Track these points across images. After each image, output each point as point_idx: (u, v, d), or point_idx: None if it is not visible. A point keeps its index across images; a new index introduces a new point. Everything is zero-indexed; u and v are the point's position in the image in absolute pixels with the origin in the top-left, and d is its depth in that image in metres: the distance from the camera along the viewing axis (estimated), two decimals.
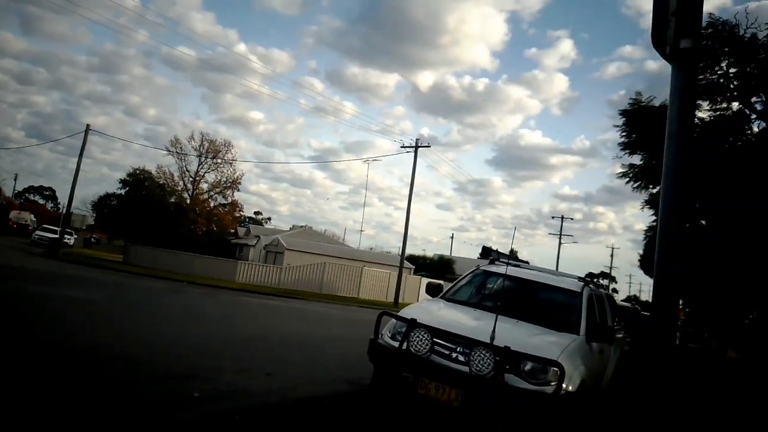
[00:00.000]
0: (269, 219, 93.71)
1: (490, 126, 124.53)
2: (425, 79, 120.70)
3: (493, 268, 7.80)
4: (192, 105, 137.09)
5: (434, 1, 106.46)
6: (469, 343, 5.35)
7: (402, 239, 33.54)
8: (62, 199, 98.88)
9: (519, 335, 5.70)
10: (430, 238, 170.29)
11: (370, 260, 41.54)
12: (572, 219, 54.51)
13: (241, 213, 67.85)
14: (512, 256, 9.38)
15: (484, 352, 5.21)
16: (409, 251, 34.56)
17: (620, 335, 8.96)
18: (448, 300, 7.16)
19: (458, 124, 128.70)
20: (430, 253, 60.10)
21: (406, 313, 6.16)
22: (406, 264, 35.50)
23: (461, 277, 7.89)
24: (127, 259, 36.43)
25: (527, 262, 9.12)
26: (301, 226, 60.91)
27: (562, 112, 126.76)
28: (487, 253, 8.18)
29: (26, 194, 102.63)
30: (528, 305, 6.95)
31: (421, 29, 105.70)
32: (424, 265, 47.65)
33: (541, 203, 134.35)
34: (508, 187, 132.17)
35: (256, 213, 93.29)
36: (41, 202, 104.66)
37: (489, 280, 7.90)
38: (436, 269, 46.79)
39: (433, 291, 7.40)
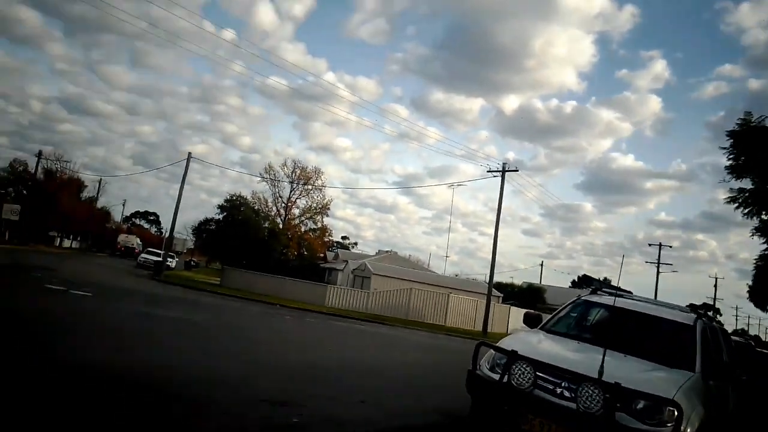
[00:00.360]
0: (356, 244, 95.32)
1: (579, 149, 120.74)
2: (510, 103, 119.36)
3: (595, 298, 7.42)
4: (284, 133, 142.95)
5: (520, 25, 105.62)
6: (575, 378, 5.08)
7: (489, 266, 32.93)
8: (165, 223, 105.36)
9: (629, 371, 5.35)
10: (517, 265, 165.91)
11: (456, 287, 41.01)
12: (671, 247, 51.16)
13: (330, 238, 69.41)
14: (613, 285, 8.91)
15: (592, 388, 4.93)
16: (496, 278, 33.84)
17: (737, 373, 8.25)
18: (548, 331, 6.87)
19: (545, 148, 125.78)
20: (518, 281, 58.58)
21: (505, 344, 5.95)
22: (494, 292, 34.74)
23: (561, 308, 7.56)
24: (224, 281, 38.03)
25: (630, 292, 8.64)
26: (387, 251, 61.36)
27: (656, 134, 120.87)
28: (587, 281, 7.82)
29: (133, 219, 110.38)
30: (636, 338, 6.52)
31: (506, 54, 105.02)
32: (512, 294, 46.45)
33: (636, 230, 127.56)
34: (599, 213, 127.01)
35: (343, 238, 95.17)
36: (146, 226, 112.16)
37: (591, 311, 7.53)
38: (525, 298, 45.47)
39: (531, 321, 7.14)
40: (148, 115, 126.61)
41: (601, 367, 4.94)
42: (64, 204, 55.61)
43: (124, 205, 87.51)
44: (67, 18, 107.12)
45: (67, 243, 66.15)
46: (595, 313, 7.50)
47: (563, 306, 7.59)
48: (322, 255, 64.53)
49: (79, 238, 69.40)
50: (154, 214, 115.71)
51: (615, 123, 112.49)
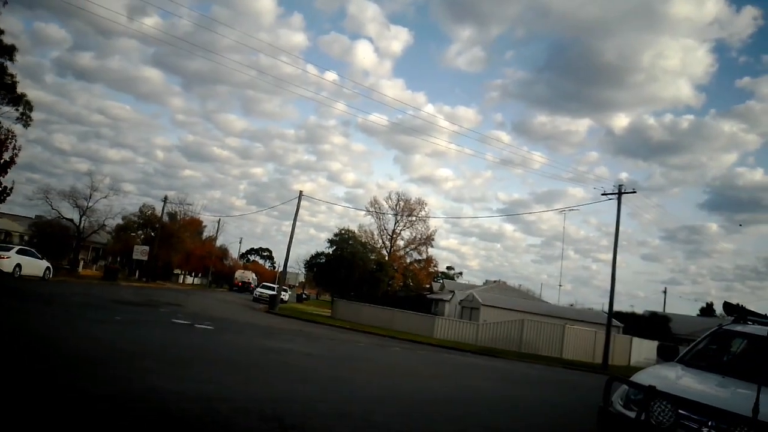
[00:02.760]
0: (461, 273, 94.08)
1: (700, 166, 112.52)
2: (620, 121, 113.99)
3: (739, 328, 6.72)
4: (385, 166, 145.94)
5: (625, 39, 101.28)
6: (726, 418, 4.56)
7: (606, 294, 31.13)
8: (278, 258, 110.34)
9: None
10: (636, 292, 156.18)
11: (572, 317, 39.12)
12: None
13: (435, 268, 69.26)
14: (754, 312, 8.04)
15: (746, 429, 4.40)
16: (615, 307, 31.82)
17: None
18: (687, 364, 6.28)
19: (661, 166, 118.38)
20: (638, 310, 54.91)
21: (640, 379, 5.50)
22: (614, 322, 32.69)
23: (699, 339, 6.91)
24: (334, 313, 38.82)
25: None
26: (495, 281, 60.01)
27: None
28: (729, 309, 7.10)
29: (248, 255, 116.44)
30: None
31: (611, 70, 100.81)
32: (633, 323, 43.52)
33: None
34: (727, 234, 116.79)
35: (449, 268, 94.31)
36: (260, 261, 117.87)
37: (734, 342, 6.82)
38: (648, 328, 42.35)
39: (666, 354, 6.59)
40: (259, 158, 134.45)
41: (756, 405, 4.40)
42: (187, 243, 59.81)
43: (240, 242, 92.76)
44: (185, 73, 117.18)
45: (189, 279, 70.83)
46: (739, 344, 6.79)
47: (701, 337, 6.94)
48: (428, 286, 64.40)
49: (200, 275, 74.09)
50: (268, 250, 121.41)
51: (739, 135, 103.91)
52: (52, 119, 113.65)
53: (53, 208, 44.37)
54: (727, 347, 6.83)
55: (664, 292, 64.67)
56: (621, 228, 29.98)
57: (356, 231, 56.11)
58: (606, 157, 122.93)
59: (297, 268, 72.00)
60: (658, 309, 55.24)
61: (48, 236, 43.27)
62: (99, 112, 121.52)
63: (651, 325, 44.40)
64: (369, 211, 62.14)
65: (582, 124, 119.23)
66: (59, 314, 14.58)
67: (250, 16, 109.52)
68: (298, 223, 39.18)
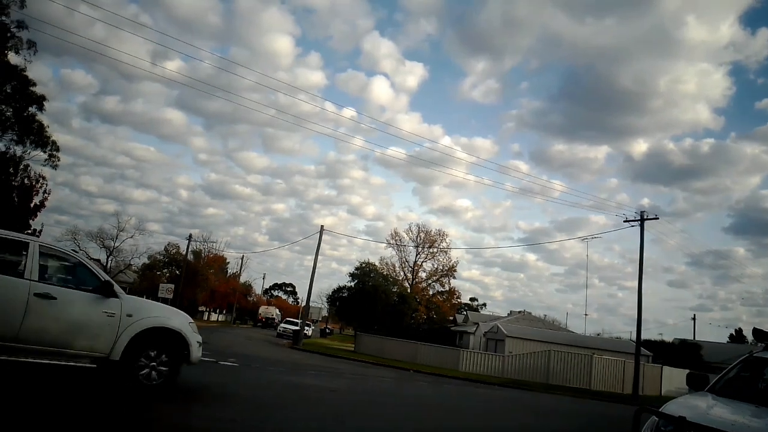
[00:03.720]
0: (484, 305, 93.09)
1: (723, 189, 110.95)
2: (638, 147, 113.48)
3: None
4: (405, 199, 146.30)
5: (640, 65, 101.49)
6: None
7: (633, 322, 30.46)
8: (301, 292, 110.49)
9: None
10: (664, 320, 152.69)
11: (599, 347, 38.38)
12: None
13: (458, 300, 68.64)
14: None
15: None
16: (642, 335, 31.17)
17: None
18: (717, 393, 6.15)
19: (683, 191, 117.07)
20: (667, 337, 53.65)
21: (670, 409, 5.40)
22: (642, 351, 31.98)
23: (730, 367, 6.78)
24: (358, 347, 38.60)
25: None
26: (519, 312, 59.26)
27: None
28: (759, 336, 6.97)
29: (271, 291, 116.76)
30: None
31: (628, 96, 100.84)
32: (662, 352, 42.47)
33: None
34: (755, 257, 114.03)
35: (472, 299, 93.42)
36: (283, 296, 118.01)
37: (767, 370, 6.66)
38: (678, 356, 41.29)
39: (696, 383, 6.46)
40: (280, 194, 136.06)
41: None
42: (212, 281, 60.35)
43: (264, 278, 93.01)
44: (207, 114, 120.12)
45: (214, 316, 71.17)
46: None
47: (732, 365, 6.80)
48: (451, 318, 63.77)
49: (224, 311, 74.41)
50: (291, 285, 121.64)
51: (762, 157, 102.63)
52: (79, 162, 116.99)
53: (81, 249, 45.38)
54: (759, 375, 6.67)
55: (693, 318, 63.12)
56: (645, 254, 29.58)
57: (377, 264, 56.12)
58: (626, 183, 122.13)
59: (320, 303, 71.92)
60: (688, 336, 53.91)
61: None
62: (124, 153, 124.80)
63: (681, 353, 43.30)
64: (390, 243, 62.21)
65: (600, 151, 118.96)
66: None
67: (268, 56, 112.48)
68: (319, 257, 39.42)
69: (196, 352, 9.13)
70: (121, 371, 8.14)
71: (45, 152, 28.70)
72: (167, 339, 8.64)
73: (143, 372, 8.34)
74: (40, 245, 7.91)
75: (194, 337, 9.07)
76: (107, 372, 8.15)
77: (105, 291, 8.11)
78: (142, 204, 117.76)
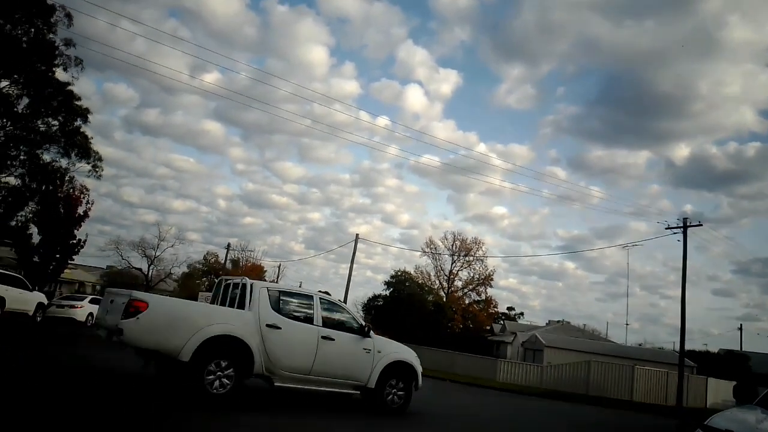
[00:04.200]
0: (522, 314, 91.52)
1: None
2: (680, 151, 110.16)
3: None
4: (439, 207, 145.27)
5: (681, 68, 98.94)
6: None
7: (676, 333, 29.64)
8: None
9: None
10: (709, 329, 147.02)
11: (641, 357, 37.37)
12: None
13: (495, 309, 67.83)
14: None
15: None
16: (687, 346, 30.21)
17: None
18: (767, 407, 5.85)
19: (728, 197, 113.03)
20: (713, 348, 51.91)
21: (716, 423, 5.19)
22: (686, 362, 31.00)
23: None
24: None
25: None
26: (558, 321, 58.23)
27: None
28: None
29: None
30: None
31: (668, 100, 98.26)
32: (708, 363, 41.12)
33: None
34: None
35: (509, 308, 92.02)
36: None
37: None
38: (725, 367, 39.88)
39: (744, 395, 6.20)
40: (316, 203, 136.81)
41: None
42: None
43: (300, 286, 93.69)
44: (244, 125, 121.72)
45: None
46: None
47: None
48: (488, 327, 63.04)
49: None
50: (327, 292, 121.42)
51: None
52: (121, 173, 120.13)
53: (123, 258, 46.74)
54: None
55: (740, 328, 60.81)
56: (689, 262, 28.80)
57: (413, 272, 55.93)
58: (668, 189, 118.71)
59: (355, 311, 72.09)
60: (734, 347, 52.01)
61: (118, 285, 45.19)
62: (164, 164, 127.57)
63: (727, 364, 41.83)
64: (425, 251, 61.82)
65: (640, 157, 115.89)
66: (128, 359, 15.09)
67: (303, 67, 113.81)
68: (354, 265, 39.64)
69: (420, 380, 11.28)
70: (375, 397, 10.36)
71: (89, 164, 29.68)
72: (403, 370, 10.82)
73: (389, 398, 10.54)
74: (320, 298, 10.31)
75: (419, 368, 11.29)
76: (365, 398, 10.52)
77: (363, 332, 10.38)
78: (182, 214, 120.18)
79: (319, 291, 12.39)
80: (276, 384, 9.31)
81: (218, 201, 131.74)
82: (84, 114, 28.93)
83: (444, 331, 49.12)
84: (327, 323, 9.95)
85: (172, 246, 48.27)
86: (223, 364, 8.65)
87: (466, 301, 61.99)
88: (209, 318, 8.92)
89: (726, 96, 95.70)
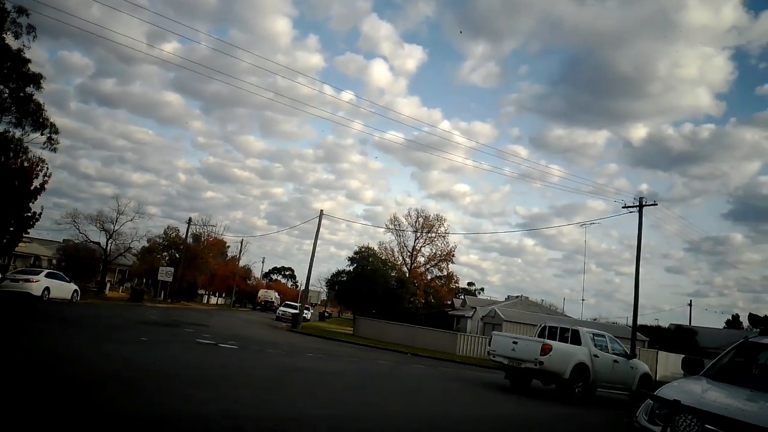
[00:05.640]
0: (482, 289, 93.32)
1: (722, 175, 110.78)
2: (638, 132, 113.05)
3: (766, 340, 6.66)
4: (403, 183, 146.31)
5: (640, 49, 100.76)
6: None
7: (629, 308, 30.70)
8: (300, 276, 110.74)
9: None
10: (661, 305, 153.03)
11: None
12: None
13: (456, 284, 68.86)
14: None
15: None
16: (639, 321, 31.40)
17: None
18: (712, 378, 6.21)
19: (682, 177, 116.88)
20: (663, 323, 53.95)
21: (665, 393, 5.46)
22: (639, 336, 32.21)
23: (725, 352, 6.84)
24: (356, 331, 38.84)
25: None
26: (517, 297, 59.49)
27: None
28: (754, 321, 7.02)
29: (271, 275, 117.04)
30: None
31: (628, 81, 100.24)
32: (658, 337, 42.77)
33: None
34: (753, 243, 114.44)
35: (469, 284, 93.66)
36: (283, 280, 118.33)
37: (761, 355, 6.73)
38: (674, 341, 41.57)
39: (691, 367, 6.52)
40: (279, 178, 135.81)
41: None
42: (211, 264, 60.44)
43: (263, 262, 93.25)
44: (205, 97, 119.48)
45: (213, 300, 71.42)
46: (766, 357, 6.70)
47: (728, 349, 6.86)
48: (449, 302, 64.05)
49: (224, 295, 74.67)
50: (290, 269, 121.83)
51: (762, 143, 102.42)
52: (78, 145, 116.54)
53: (81, 232, 45.37)
54: (754, 360, 6.74)
55: (690, 304, 63.24)
56: (643, 240, 29.68)
57: (376, 248, 56.15)
58: (625, 168, 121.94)
59: (319, 287, 72.09)
60: (684, 322, 54.18)
61: (75, 259, 44.18)
62: (122, 136, 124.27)
63: (677, 338, 43.63)
64: (389, 228, 62.19)
65: (600, 136, 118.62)
66: (87, 336, 14.85)
67: (266, 39, 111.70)
68: (318, 241, 39.56)
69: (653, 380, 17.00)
70: (636, 400, 12.44)
71: (44, 134, 28.52)
72: (647, 377, 16.28)
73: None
74: (609, 336, 16.64)
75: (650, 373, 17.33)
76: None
77: (628, 355, 16.79)
78: (141, 187, 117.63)
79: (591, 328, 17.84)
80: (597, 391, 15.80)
81: (178, 174, 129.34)
82: (37, 80, 27.67)
83: (406, 306, 49.66)
84: (613, 351, 16.07)
85: (131, 220, 47.02)
86: (579, 379, 14.74)
87: (429, 277, 62.76)
88: (574, 353, 15.06)
89: (683, 78, 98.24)
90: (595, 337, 15.96)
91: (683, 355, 7.60)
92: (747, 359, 6.68)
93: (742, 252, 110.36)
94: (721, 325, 58.74)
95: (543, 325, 17.80)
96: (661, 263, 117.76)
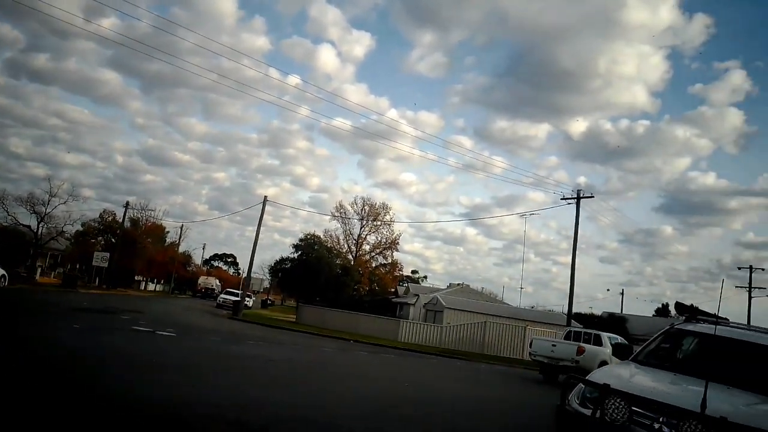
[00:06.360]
0: (425, 277, 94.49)
1: (655, 170, 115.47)
2: (577, 126, 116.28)
3: (690, 327, 6.98)
4: (350, 171, 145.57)
5: (582, 45, 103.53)
6: (676, 413, 4.74)
7: (566, 296, 31.81)
8: (242, 264, 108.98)
9: (734, 404, 4.97)
10: (595, 294, 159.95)
11: (533, 319, 39.84)
12: (763, 269, 47.60)
13: (400, 272, 69.53)
14: (710, 313, 8.35)
15: (695, 423, 4.59)
16: (574, 309, 32.58)
17: None
18: (640, 363, 6.50)
19: (618, 171, 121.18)
20: (597, 311, 56.19)
21: (595, 377, 5.67)
22: (573, 323, 33.41)
23: (652, 338, 7.15)
24: (299, 318, 38.61)
25: (727, 319, 8.04)
26: (458, 284, 60.60)
27: (739, 149, 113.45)
28: (680, 309, 7.38)
29: (212, 261, 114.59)
30: (739, 369, 6.04)
31: (569, 76, 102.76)
32: (592, 324, 44.45)
33: (721, 252, 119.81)
34: (681, 236, 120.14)
35: (413, 272, 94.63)
36: (224, 267, 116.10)
37: (686, 341, 7.08)
38: (606, 328, 43.28)
39: (621, 353, 6.80)
40: (221, 162, 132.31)
41: (704, 400, 4.59)
42: (149, 250, 58.60)
43: (204, 248, 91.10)
44: (144, 76, 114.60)
45: (151, 286, 69.36)
46: (691, 343, 7.05)
47: (655, 336, 7.18)
48: (393, 290, 64.60)
49: (162, 281, 72.66)
50: (232, 255, 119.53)
51: (692, 140, 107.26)
52: (6, 123, 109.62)
53: (9, 214, 43.08)
54: (678, 346, 7.08)
55: (622, 293, 66.19)
56: (580, 231, 30.83)
57: (322, 236, 55.97)
58: (565, 161, 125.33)
59: (262, 274, 71.24)
60: (616, 310, 56.62)
61: (3, 243, 41.84)
62: (56, 115, 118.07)
63: (609, 325, 45.42)
64: (334, 216, 62.07)
65: (541, 129, 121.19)
66: (15, 321, 14.15)
67: (210, 18, 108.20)
68: (262, 228, 39.01)
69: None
70: (568, 385, 14.45)
71: None
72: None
73: None
74: (607, 335, 19.97)
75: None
76: None
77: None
78: (76, 168, 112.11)
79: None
80: None
81: (115, 156, 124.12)
82: None
83: (350, 293, 49.78)
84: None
85: (64, 203, 44.91)
86: None
87: (373, 265, 63.09)
88: (598, 353, 18.54)
89: (621, 75, 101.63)
90: (611, 340, 19.33)
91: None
92: (672, 345, 7.01)
93: (671, 244, 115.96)
94: (650, 313, 61.82)
95: (569, 330, 22.60)
96: (596, 253, 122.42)
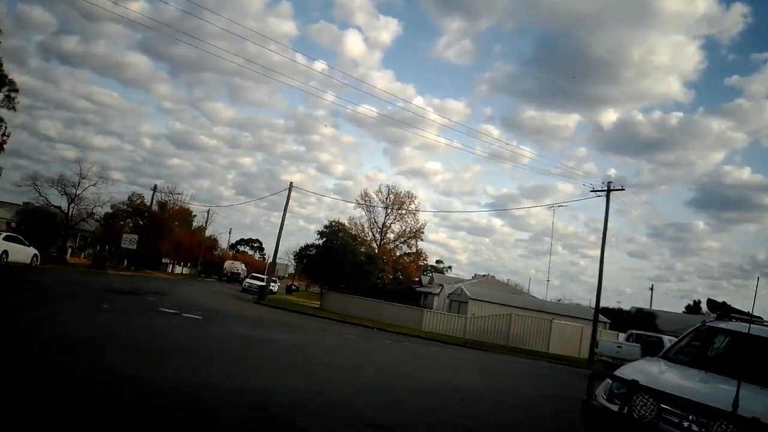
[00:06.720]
0: (450, 267, 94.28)
1: (688, 164, 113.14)
2: (608, 116, 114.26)
3: (722, 325, 6.80)
4: (375, 159, 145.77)
5: (615, 34, 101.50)
6: (706, 412, 4.62)
7: (593, 290, 31.37)
8: (267, 249, 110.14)
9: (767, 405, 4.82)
10: (623, 288, 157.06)
11: (559, 312, 39.42)
12: None
13: (425, 262, 69.54)
14: (744, 311, 8.12)
15: (726, 423, 4.47)
16: (601, 303, 32.14)
17: None
18: (670, 360, 6.36)
19: (649, 163, 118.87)
20: (625, 306, 55.40)
21: (624, 373, 5.56)
22: (601, 318, 32.98)
23: (683, 335, 7.00)
24: (323, 305, 38.88)
25: (761, 318, 7.81)
26: (484, 275, 60.26)
27: None
28: (712, 307, 7.19)
29: (238, 246, 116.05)
30: None
31: (601, 65, 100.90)
32: (620, 319, 43.88)
33: (755, 249, 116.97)
34: (714, 232, 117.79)
35: (438, 262, 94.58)
36: (250, 252, 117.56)
37: (717, 339, 6.91)
38: (635, 324, 42.72)
39: (651, 349, 6.65)
40: (247, 147, 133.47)
41: (736, 400, 4.47)
42: (177, 233, 59.53)
43: (230, 233, 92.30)
44: (172, 60, 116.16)
45: (178, 269, 70.58)
46: (722, 341, 6.88)
47: (685, 333, 7.02)
48: (417, 279, 64.63)
49: (189, 265, 73.83)
50: (258, 240, 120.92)
51: (727, 133, 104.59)
52: (38, 105, 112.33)
53: (41, 195, 44.12)
54: (710, 344, 6.92)
55: (651, 288, 65.05)
56: (609, 224, 30.39)
57: (346, 223, 56.18)
58: (594, 153, 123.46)
59: (287, 260, 71.86)
60: (645, 305, 55.73)
61: (36, 223, 42.91)
62: (85, 98, 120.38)
63: (637, 321, 44.75)
64: (359, 203, 62.22)
65: (571, 120, 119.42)
66: (46, 301, 14.50)
67: (237, 3, 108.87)
68: (287, 214, 39.22)
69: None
70: (595, 379, 15.42)
71: (2, 92, 27.50)
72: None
73: None
74: (668, 338, 19.20)
75: None
76: None
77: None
78: (104, 151, 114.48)
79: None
80: None
81: (143, 140, 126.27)
82: None
83: (374, 281, 49.92)
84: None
85: (94, 185, 45.84)
86: None
87: (397, 253, 63.19)
88: (635, 349, 20.17)
89: (655, 65, 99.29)
90: (671, 343, 20.09)
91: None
92: (703, 343, 6.84)
93: (703, 239, 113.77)
94: (680, 309, 60.70)
95: (631, 332, 24.58)
96: (625, 247, 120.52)
